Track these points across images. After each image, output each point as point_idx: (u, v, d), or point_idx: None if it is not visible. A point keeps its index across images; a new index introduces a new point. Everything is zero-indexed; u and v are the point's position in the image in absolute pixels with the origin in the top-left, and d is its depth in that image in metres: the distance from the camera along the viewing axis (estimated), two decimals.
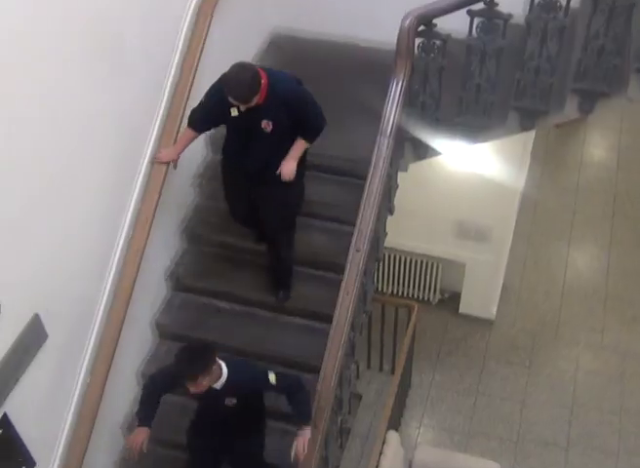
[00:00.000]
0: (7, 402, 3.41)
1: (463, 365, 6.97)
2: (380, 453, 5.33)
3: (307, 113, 4.01)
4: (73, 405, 4.00)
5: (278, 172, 4.10)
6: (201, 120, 4.15)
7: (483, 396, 6.71)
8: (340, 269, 4.21)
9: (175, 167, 4.31)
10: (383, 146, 4.17)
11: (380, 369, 6.80)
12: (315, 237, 4.79)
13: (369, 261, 4.27)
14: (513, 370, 6.88)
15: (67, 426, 3.98)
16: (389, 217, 4.72)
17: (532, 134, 6.48)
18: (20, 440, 3.57)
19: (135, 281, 4.16)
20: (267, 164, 4.10)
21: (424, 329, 6.97)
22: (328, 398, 4.02)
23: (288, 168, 4.09)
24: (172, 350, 4.76)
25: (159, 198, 4.28)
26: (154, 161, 4.26)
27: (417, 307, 6.22)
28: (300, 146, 4.09)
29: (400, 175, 4.72)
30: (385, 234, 4.73)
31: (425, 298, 7.44)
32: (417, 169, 4.92)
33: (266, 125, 3.94)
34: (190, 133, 4.22)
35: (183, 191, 4.87)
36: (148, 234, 4.24)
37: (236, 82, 3.73)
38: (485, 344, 7.12)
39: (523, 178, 7.16)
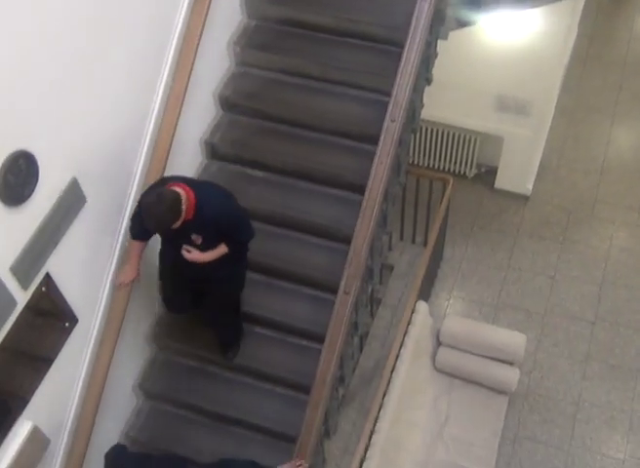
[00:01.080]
0: (49, 262, 3.54)
1: (496, 239, 7.01)
2: (409, 322, 5.49)
3: (235, 231, 3.95)
4: (113, 267, 4.15)
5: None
6: (139, 230, 3.97)
7: (514, 270, 6.79)
8: (374, 140, 4.18)
9: (138, 280, 4.18)
10: (423, 12, 4.04)
11: (413, 240, 6.87)
12: (349, 106, 4.72)
13: (404, 132, 4.23)
14: (545, 246, 6.91)
15: (108, 286, 4.13)
16: (427, 88, 4.63)
17: (580, 2, 6.18)
18: (63, 298, 3.74)
19: (170, 147, 4.19)
20: (204, 270, 4.02)
21: (459, 203, 6.98)
22: (358, 267, 4.11)
23: (196, 255, 3.91)
24: None
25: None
26: (117, 286, 4.11)
27: (452, 181, 6.20)
28: (220, 251, 3.95)
29: (440, 43, 4.58)
30: (422, 105, 4.65)
31: (461, 172, 7.40)
32: (457, 38, 4.77)
33: (196, 239, 3.86)
34: (137, 243, 4.07)
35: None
36: (184, 101, 4.21)
37: (153, 215, 3.55)
38: (519, 220, 7.12)
39: (568, 51, 6.91)
